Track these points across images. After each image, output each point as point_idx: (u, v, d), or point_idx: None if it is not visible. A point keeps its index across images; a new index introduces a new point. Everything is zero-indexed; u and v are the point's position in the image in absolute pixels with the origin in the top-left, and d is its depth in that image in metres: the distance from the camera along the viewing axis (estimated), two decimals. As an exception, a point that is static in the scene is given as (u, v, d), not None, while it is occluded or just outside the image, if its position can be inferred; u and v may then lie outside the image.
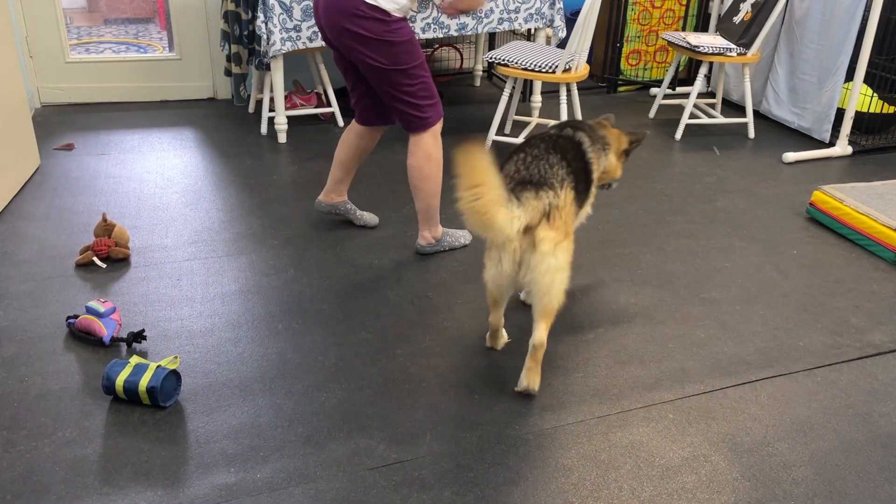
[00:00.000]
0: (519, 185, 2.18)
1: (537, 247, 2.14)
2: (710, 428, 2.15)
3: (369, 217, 3.22)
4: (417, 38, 3.98)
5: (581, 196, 2.36)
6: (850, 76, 4.10)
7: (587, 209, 2.56)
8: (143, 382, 2.10)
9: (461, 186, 1.98)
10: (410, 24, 3.95)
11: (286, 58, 3.94)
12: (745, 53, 4.18)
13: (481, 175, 1.97)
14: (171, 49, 4.67)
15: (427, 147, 2.82)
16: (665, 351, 2.48)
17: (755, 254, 3.12)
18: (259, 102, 4.43)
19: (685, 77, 5.29)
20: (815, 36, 4.21)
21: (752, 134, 4.39)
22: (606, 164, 2.62)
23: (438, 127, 2.86)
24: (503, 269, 2.17)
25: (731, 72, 4.86)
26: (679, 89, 5.06)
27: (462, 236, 3.10)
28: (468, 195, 1.98)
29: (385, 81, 2.72)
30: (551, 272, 2.15)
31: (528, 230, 2.13)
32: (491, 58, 3.87)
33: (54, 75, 4.38)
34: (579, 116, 4.12)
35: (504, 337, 2.48)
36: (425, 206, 2.91)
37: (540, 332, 2.22)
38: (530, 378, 2.23)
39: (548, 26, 4.23)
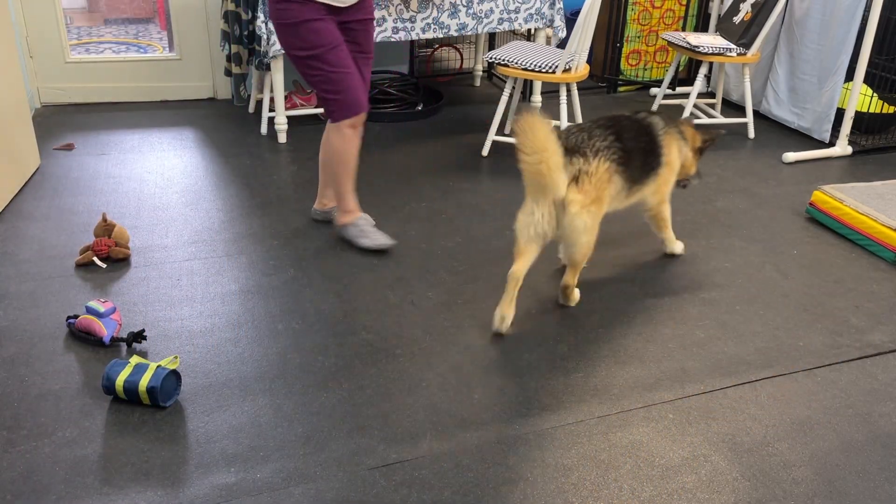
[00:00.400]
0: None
1: (566, 207, 2.44)
2: (710, 428, 2.15)
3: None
4: (417, 37, 3.99)
5: (634, 172, 2.62)
6: (850, 76, 4.10)
7: (660, 190, 2.83)
8: (144, 382, 2.10)
9: (525, 151, 2.29)
10: (408, 25, 3.95)
11: (286, 58, 3.94)
12: (745, 53, 4.18)
13: (544, 141, 2.27)
14: (171, 49, 4.67)
15: (330, 137, 2.85)
16: (665, 351, 2.48)
17: (755, 254, 3.12)
18: (259, 102, 4.43)
19: (685, 77, 5.29)
20: (815, 36, 4.21)
21: (752, 134, 4.39)
22: (686, 157, 2.90)
23: (345, 125, 2.76)
24: (534, 219, 2.45)
25: (731, 72, 4.86)
26: (679, 89, 5.06)
27: (370, 239, 2.96)
28: (533, 159, 2.30)
29: (294, 65, 2.69)
30: (577, 231, 2.47)
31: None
32: (491, 58, 3.87)
33: (54, 75, 4.38)
34: (579, 117, 4.13)
35: (512, 312, 2.54)
36: (334, 184, 2.95)
37: (567, 277, 2.67)
38: (567, 301, 2.71)
39: (548, 26, 4.23)
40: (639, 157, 2.63)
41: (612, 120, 2.63)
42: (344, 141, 2.82)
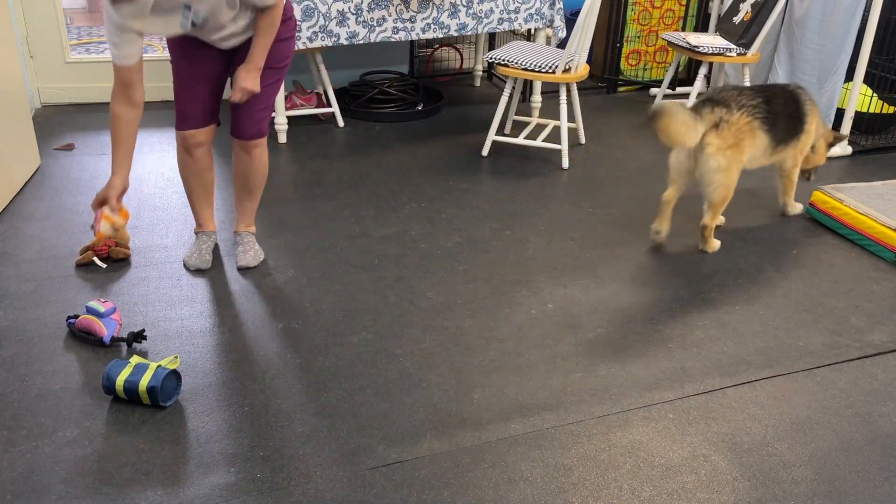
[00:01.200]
0: (703, 101, 2.92)
1: (705, 150, 2.88)
2: (709, 428, 2.16)
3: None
4: (417, 37, 3.99)
5: (780, 134, 3.04)
6: (849, 76, 4.10)
7: (796, 156, 3.23)
8: (144, 382, 2.10)
9: (659, 128, 2.78)
10: (408, 25, 3.95)
11: (286, 58, 3.94)
12: (744, 53, 4.18)
13: (673, 116, 2.77)
14: (171, 49, 4.67)
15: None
16: (665, 351, 2.48)
17: (755, 254, 3.12)
18: (259, 102, 4.42)
19: (685, 77, 5.29)
20: (815, 36, 4.21)
21: (752, 134, 4.39)
22: (818, 144, 3.33)
23: (178, 141, 2.71)
24: (680, 158, 2.99)
25: (730, 72, 4.86)
26: (679, 89, 5.06)
27: (190, 260, 2.84)
28: (664, 135, 2.80)
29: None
30: (711, 171, 2.91)
31: (703, 135, 2.88)
32: (491, 58, 3.87)
33: (54, 75, 4.38)
34: (579, 117, 4.13)
35: (665, 227, 3.11)
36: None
37: (705, 218, 3.04)
38: (704, 245, 3.10)
39: (548, 26, 4.23)
40: (784, 122, 3.04)
41: (766, 87, 3.08)
42: (180, 158, 2.78)
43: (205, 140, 2.72)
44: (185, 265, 2.84)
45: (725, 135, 2.88)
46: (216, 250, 2.97)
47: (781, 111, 3.03)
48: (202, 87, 2.63)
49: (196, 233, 2.95)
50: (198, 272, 2.81)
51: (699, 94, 3.08)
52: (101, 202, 2.49)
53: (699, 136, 2.86)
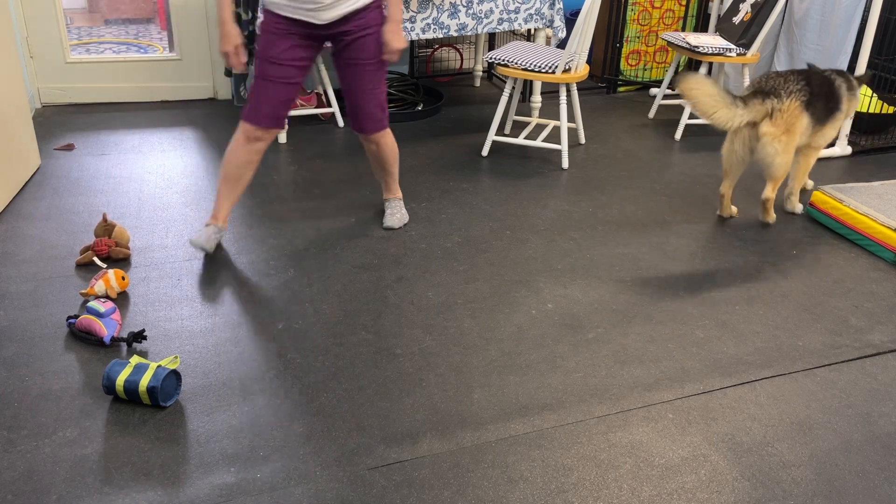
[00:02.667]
0: (753, 93, 3.15)
1: (760, 138, 3.14)
2: (709, 428, 2.16)
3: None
4: (417, 37, 3.99)
5: (820, 115, 3.24)
6: (849, 76, 4.09)
7: (829, 134, 3.38)
8: (144, 382, 2.10)
9: (690, 97, 3.06)
10: (408, 25, 3.95)
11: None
12: (744, 54, 4.19)
13: (699, 87, 3.05)
14: (171, 49, 4.67)
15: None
16: (665, 351, 2.48)
17: (755, 254, 3.12)
18: (259, 103, 4.42)
19: (685, 77, 5.29)
20: (815, 36, 4.21)
21: (752, 134, 4.40)
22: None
23: (240, 128, 2.84)
24: (734, 148, 3.24)
25: (730, 72, 4.86)
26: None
27: (198, 239, 2.88)
28: (693, 102, 3.07)
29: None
30: (769, 156, 3.17)
31: (755, 125, 3.14)
32: (491, 58, 3.87)
33: (55, 76, 4.38)
34: (579, 117, 4.13)
35: (732, 208, 3.41)
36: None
37: (766, 191, 3.31)
38: (764, 216, 3.37)
39: (547, 27, 4.23)
40: (820, 103, 3.23)
41: (803, 70, 3.29)
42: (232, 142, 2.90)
43: (265, 139, 2.87)
44: (190, 243, 2.88)
45: (779, 122, 3.11)
46: (219, 250, 2.97)
47: (820, 91, 3.23)
48: (277, 90, 2.79)
49: (206, 224, 2.95)
50: (206, 259, 2.81)
51: (748, 85, 3.26)
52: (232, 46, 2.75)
53: (740, 121, 3.10)
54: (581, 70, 3.81)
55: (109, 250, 2.86)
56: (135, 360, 2.18)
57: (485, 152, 4.00)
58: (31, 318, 2.52)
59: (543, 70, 3.73)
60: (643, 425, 2.16)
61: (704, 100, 3.05)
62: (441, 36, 4.06)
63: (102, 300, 2.48)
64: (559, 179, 3.76)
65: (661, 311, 2.70)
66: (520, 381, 2.31)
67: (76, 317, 2.45)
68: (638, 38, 5.09)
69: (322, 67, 4.18)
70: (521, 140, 3.95)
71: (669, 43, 4.42)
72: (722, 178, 3.36)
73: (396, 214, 3.23)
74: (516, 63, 3.79)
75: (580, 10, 3.68)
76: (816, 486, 1.96)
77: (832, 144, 4.16)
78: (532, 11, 4.15)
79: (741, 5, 4.32)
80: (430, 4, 3.94)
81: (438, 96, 4.76)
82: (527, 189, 3.63)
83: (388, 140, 3.05)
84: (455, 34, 4.09)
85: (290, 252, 2.99)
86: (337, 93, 4.60)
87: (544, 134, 4.03)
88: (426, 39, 5.16)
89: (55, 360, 2.32)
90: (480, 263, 2.96)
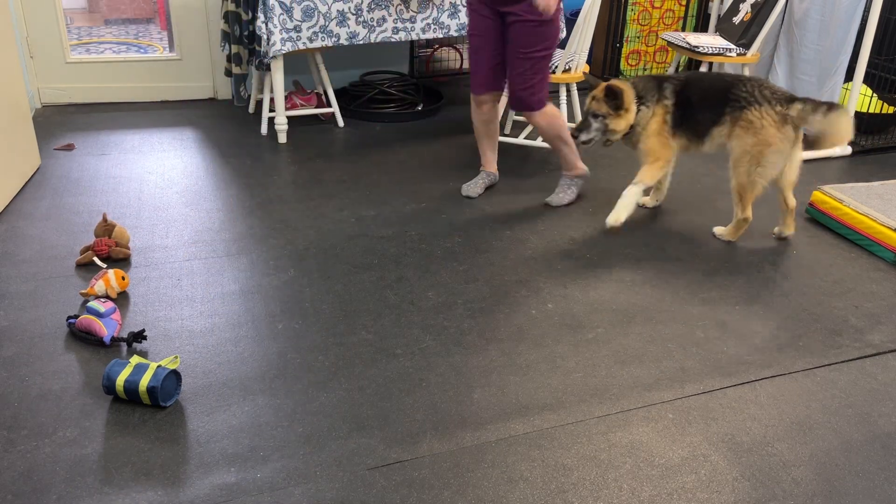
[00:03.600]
0: (803, 101, 2.98)
1: (797, 144, 3.06)
2: (709, 428, 2.16)
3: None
4: (417, 37, 3.99)
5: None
6: (849, 76, 4.10)
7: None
8: (144, 382, 2.10)
9: None
10: (408, 25, 3.95)
11: (286, 58, 3.94)
12: (744, 54, 4.18)
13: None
14: (171, 49, 4.67)
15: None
16: (665, 351, 2.48)
17: (755, 254, 3.12)
18: (259, 103, 4.43)
19: (685, 77, 5.29)
20: (815, 36, 4.21)
21: (751, 134, 4.39)
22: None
23: (471, 95, 3.46)
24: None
25: (730, 72, 4.86)
26: (679, 89, 5.06)
27: (466, 187, 3.53)
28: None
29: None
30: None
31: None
32: (491, 58, 3.86)
33: (55, 76, 4.38)
34: (579, 117, 4.13)
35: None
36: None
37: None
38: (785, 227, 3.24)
39: (548, 26, 4.23)
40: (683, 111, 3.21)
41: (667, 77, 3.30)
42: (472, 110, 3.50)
43: (489, 101, 3.40)
44: (461, 191, 3.52)
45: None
46: (216, 250, 2.97)
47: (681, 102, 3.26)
48: (482, 59, 3.30)
49: (480, 169, 3.60)
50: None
51: (798, 99, 2.99)
52: None
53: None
54: (581, 70, 3.81)
55: (109, 250, 2.86)
56: (135, 360, 2.18)
57: (485, 152, 4.00)
58: (31, 318, 2.52)
59: (543, 70, 3.72)
60: (643, 425, 2.16)
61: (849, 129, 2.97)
62: (441, 36, 4.06)
63: (102, 300, 2.48)
64: (559, 179, 3.75)
65: (661, 311, 2.70)
66: (520, 381, 2.31)
67: (76, 317, 2.45)
68: (638, 38, 5.09)
69: (322, 67, 4.18)
70: (521, 140, 3.95)
71: (669, 43, 4.42)
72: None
73: (560, 193, 3.49)
74: (516, 63, 3.78)
75: (580, 9, 3.68)
76: (816, 486, 1.96)
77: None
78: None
79: (741, 5, 4.32)
80: (430, 4, 3.94)
81: (438, 96, 4.76)
82: (527, 189, 3.63)
83: (540, 121, 3.34)
84: (455, 34, 4.09)
85: (290, 252, 2.99)
86: (337, 93, 4.60)
87: (544, 134, 4.03)
88: (426, 39, 5.16)
89: (55, 360, 2.32)
90: (480, 263, 2.96)
